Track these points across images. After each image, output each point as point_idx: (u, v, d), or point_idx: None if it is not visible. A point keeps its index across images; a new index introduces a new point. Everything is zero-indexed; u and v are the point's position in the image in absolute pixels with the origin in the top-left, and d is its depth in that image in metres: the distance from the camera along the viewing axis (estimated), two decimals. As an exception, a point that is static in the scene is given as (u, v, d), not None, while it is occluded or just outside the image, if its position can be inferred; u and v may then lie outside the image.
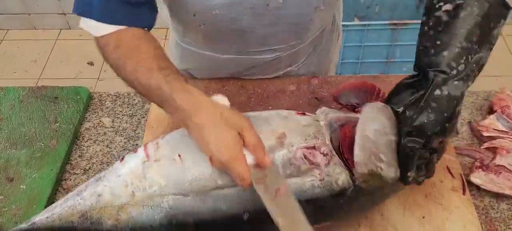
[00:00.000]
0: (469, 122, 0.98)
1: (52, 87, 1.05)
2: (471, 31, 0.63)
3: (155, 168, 0.68)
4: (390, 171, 0.65)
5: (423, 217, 0.78)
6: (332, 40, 1.08)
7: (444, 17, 0.64)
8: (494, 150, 0.90)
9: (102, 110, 1.03)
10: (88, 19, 0.75)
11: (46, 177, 0.88)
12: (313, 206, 0.66)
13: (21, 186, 0.86)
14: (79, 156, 0.94)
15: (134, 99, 1.05)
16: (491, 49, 0.65)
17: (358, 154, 0.64)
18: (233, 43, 0.93)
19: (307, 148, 0.67)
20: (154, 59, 0.71)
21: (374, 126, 0.65)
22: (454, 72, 0.62)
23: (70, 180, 0.90)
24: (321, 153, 0.67)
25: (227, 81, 1.02)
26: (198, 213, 0.65)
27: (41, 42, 2.66)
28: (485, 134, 0.93)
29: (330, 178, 0.66)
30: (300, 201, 0.64)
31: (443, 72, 0.63)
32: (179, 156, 0.67)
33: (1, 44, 2.67)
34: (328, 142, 0.68)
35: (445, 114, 0.63)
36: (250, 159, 0.62)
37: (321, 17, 0.94)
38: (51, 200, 0.85)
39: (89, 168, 0.92)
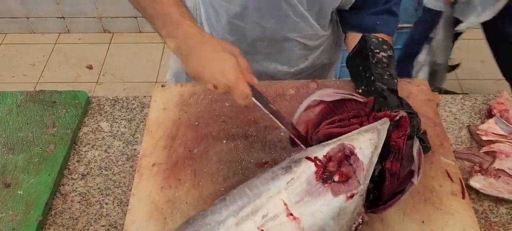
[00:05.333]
0: (468, 126, 0.98)
1: (50, 91, 1.04)
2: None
3: None
4: None
5: (423, 222, 0.78)
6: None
7: (384, 60, 0.90)
8: (493, 154, 0.90)
9: (100, 115, 1.02)
10: None
11: (44, 182, 0.87)
12: None
13: (19, 191, 0.86)
14: (77, 161, 0.94)
15: (133, 104, 1.04)
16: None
17: None
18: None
19: None
20: None
21: None
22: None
23: (68, 185, 0.90)
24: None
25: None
26: None
27: (40, 46, 2.66)
28: (484, 138, 0.93)
29: None
30: None
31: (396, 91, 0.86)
32: None
33: (-1, 48, 2.67)
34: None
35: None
36: None
37: None
38: (48, 206, 0.85)
39: (87, 173, 0.91)
